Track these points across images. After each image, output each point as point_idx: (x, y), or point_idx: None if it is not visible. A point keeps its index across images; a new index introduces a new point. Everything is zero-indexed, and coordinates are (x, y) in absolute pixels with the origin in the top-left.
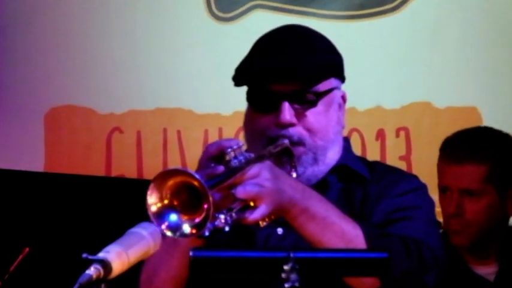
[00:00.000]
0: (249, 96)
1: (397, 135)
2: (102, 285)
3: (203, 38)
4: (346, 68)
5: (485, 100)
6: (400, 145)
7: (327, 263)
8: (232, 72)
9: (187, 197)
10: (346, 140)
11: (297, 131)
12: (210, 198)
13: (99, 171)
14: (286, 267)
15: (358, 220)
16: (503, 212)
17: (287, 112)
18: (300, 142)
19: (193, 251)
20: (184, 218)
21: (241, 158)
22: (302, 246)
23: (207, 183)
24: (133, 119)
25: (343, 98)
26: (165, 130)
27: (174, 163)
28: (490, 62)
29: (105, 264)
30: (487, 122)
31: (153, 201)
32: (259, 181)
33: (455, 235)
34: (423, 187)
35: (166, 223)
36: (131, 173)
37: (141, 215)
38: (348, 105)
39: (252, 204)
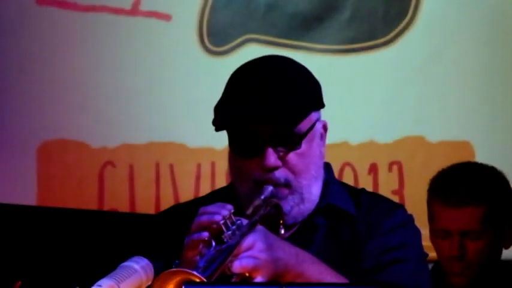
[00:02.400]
0: (231, 142)
1: (390, 170)
2: None
3: (196, 72)
4: (338, 102)
5: (478, 135)
6: (393, 179)
7: None
8: None
9: None
10: (329, 168)
11: (283, 173)
12: None
13: (92, 205)
14: None
15: (350, 276)
16: (499, 248)
17: (272, 156)
18: (286, 184)
19: (185, 284)
20: None
21: (233, 227)
22: None
23: (205, 273)
24: (126, 153)
25: (324, 128)
26: (157, 164)
27: (167, 197)
28: (483, 96)
29: None
30: (479, 156)
31: None
32: (254, 253)
33: (455, 277)
34: (410, 220)
35: None
36: (123, 207)
37: (133, 248)
38: (340, 139)
39: (247, 274)
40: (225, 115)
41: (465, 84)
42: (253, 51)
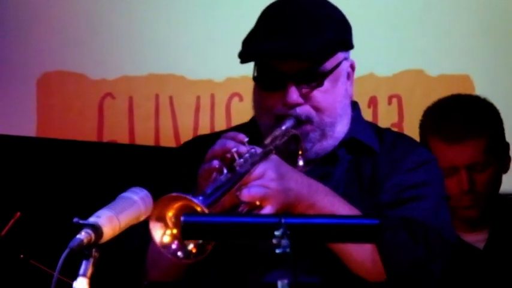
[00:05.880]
0: (256, 75)
1: (390, 103)
2: (93, 250)
3: (196, 4)
4: None
5: (477, 68)
6: (392, 112)
7: (318, 229)
8: (225, 38)
9: None
10: (356, 106)
11: (305, 110)
12: None
13: (91, 136)
14: (277, 233)
15: (365, 208)
16: (501, 176)
17: (294, 93)
18: (307, 121)
19: (184, 216)
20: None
21: (246, 156)
22: None
23: (206, 201)
24: (126, 85)
25: (352, 67)
26: (157, 96)
27: (166, 129)
28: (483, 30)
29: (96, 229)
30: (479, 90)
31: (160, 234)
32: (264, 182)
33: (466, 210)
34: (433, 160)
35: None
36: (123, 138)
37: (132, 179)
38: None
39: (258, 203)
40: (250, 49)
41: (465, 17)
42: None
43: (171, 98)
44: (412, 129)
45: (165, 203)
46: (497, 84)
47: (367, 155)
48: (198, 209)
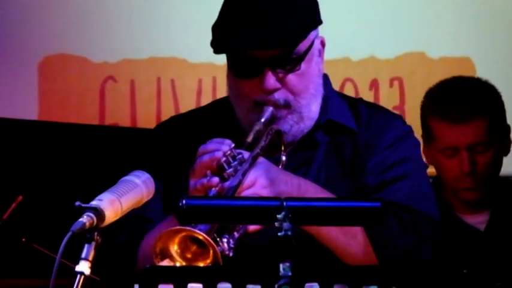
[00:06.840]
0: (230, 63)
1: (391, 85)
2: (95, 233)
3: None
4: (340, 19)
5: (478, 51)
6: (394, 95)
7: (320, 212)
8: None
9: (195, 245)
10: (326, 80)
11: (282, 94)
12: (216, 249)
13: (93, 119)
14: (279, 216)
15: (348, 190)
16: (502, 158)
17: (271, 78)
18: (285, 105)
19: (185, 199)
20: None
21: (235, 163)
22: None
23: (206, 227)
24: (127, 68)
25: (322, 43)
26: (158, 79)
27: (168, 112)
28: (484, 12)
29: (98, 212)
30: (480, 72)
31: None
32: (256, 190)
33: (467, 192)
34: (409, 131)
35: None
36: (125, 121)
37: (134, 163)
38: (342, 55)
39: None
40: (223, 40)
41: (466, 0)
42: None
43: (172, 81)
44: (413, 112)
45: (166, 238)
46: (497, 66)
47: (344, 135)
48: (201, 237)
